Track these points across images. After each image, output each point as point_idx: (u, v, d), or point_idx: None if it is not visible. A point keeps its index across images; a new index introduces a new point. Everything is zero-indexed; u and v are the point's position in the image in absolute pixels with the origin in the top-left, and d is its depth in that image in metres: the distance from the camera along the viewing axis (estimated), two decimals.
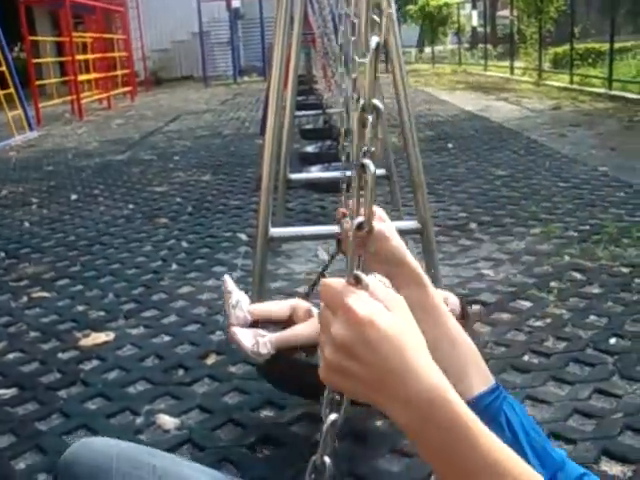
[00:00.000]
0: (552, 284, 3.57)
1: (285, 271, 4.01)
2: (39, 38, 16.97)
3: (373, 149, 0.79)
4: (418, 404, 0.70)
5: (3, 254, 4.77)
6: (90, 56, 16.16)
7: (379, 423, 2.42)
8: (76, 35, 15.15)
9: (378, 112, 0.73)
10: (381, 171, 4.59)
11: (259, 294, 2.99)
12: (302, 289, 3.73)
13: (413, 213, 4.69)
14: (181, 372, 2.89)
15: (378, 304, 0.73)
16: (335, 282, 0.75)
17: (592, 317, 3.16)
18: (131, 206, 5.94)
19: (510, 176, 6.14)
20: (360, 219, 0.77)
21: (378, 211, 1.16)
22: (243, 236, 4.78)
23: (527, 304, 3.36)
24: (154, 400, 2.66)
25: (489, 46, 21.64)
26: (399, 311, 0.75)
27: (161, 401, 2.65)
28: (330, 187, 5.31)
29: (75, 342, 3.24)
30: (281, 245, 4.28)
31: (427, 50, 27.57)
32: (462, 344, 1.08)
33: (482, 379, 1.05)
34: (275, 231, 3.00)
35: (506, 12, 21.80)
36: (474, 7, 26.31)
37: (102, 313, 3.59)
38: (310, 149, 6.14)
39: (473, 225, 4.70)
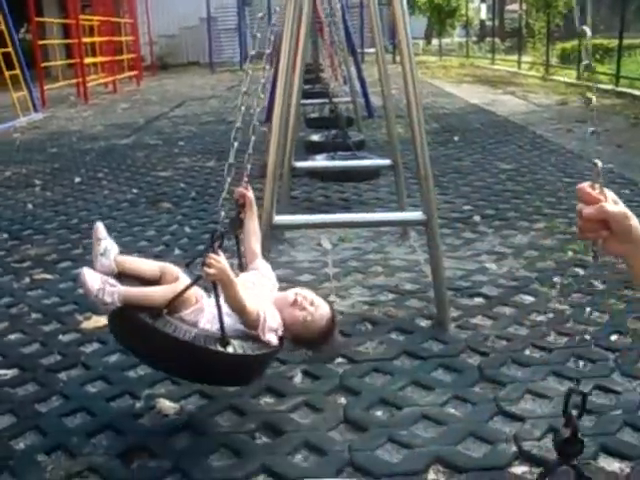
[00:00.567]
0: (555, 279, 3.56)
1: (287, 259, 4.01)
2: (46, 20, 16.93)
3: None
4: None
5: (6, 235, 4.77)
6: (97, 39, 16.11)
7: (378, 413, 2.42)
8: (83, 18, 15.11)
9: None
10: (386, 161, 4.58)
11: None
12: (304, 277, 3.73)
13: (416, 204, 4.71)
14: None
15: None
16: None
17: (594, 313, 3.16)
18: (135, 190, 5.93)
19: (515, 170, 6.12)
20: None
21: (610, 194, 1.17)
22: None
23: (529, 298, 3.36)
24: (154, 385, 2.66)
25: (497, 40, 21.56)
26: None
27: (161, 386, 2.65)
28: (334, 176, 5.32)
29: (76, 324, 3.24)
30: (284, 233, 4.27)
31: (434, 42, 27.47)
32: None
33: None
34: (279, 219, 3.00)
35: (515, 6, 21.72)
36: (483, 0, 26.22)
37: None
38: (315, 138, 6.13)
39: (477, 218, 4.69)
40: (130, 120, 10.74)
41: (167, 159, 7.34)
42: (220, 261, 2.07)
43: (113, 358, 2.91)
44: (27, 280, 3.88)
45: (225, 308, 2.11)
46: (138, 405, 2.53)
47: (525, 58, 17.35)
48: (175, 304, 2.10)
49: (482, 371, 2.67)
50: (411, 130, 2.98)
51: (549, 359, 2.75)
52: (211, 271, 2.04)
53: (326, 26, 7.41)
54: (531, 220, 4.60)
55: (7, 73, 10.63)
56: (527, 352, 2.83)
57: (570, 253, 3.93)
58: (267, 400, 2.53)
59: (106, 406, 2.54)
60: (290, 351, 2.50)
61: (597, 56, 14.01)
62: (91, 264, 4.04)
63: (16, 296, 3.64)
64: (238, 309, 2.12)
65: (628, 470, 2.08)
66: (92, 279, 2.11)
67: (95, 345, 3.03)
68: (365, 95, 9.62)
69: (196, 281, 2.14)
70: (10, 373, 2.81)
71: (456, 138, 7.90)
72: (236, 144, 2.46)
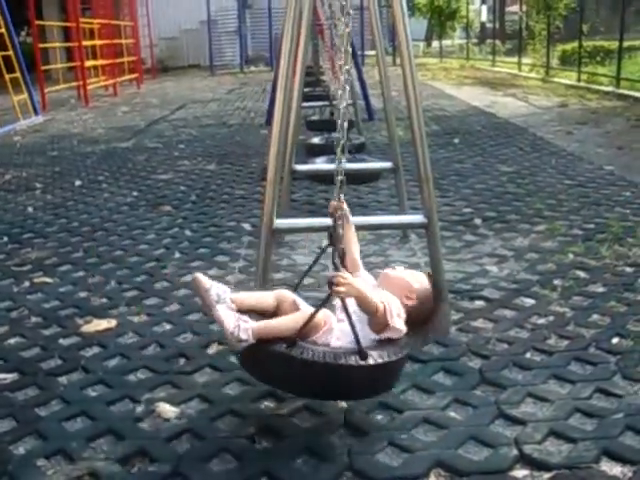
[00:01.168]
0: (556, 282, 3.55)
1: (288, 262, 4.01)
2: (46, 23, 16.94)
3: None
4: None
5: (6, 238, 4.77)
6: (97, 42, 16.12)
7: (379, 417, 2.41)
8: (83, 21, 15.11)
9: None
10: (387, 164, 4.58)
11: (262, 285, 2.99)
12: (305, 280, 3.72)
13: (417, 207, 4.70)
14: (182, 361, 2.88)
15: None
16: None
17: (595, 316, 3.15)
18: (135, 193, 5.93)
19: (516, 172, 6.12)
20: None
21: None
22: (247, 226, 4.78)
23: (530, 301, 3.35)
24: (154, 388, 2.65)
25: (497, 42, 21.57)
26: None
27: (161, 390, 2.65)
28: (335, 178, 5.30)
29: (76, 328, 3.23)
30: (284, 236, 4.27)
31: (435, 44, 27.48)
32: None
33: None
34: (280, 222, 2.99)
35: (515, 8, 21.73)
36: (483, 2, 26.26)
37: (104, 300, 3.59)
38: (316, 140, 6.13)
39: (478, 221, 4.68)
40: (130, 123, 10.75)
41: (167, 162, 7.34)
42: (347, 277, 2.11)
43: (113, 362, 2.90)
44: (27, 284, 3.87)
45: (353, 317, 2.14)
46: (138, 409, 2.52)
47: (525, 60, 17.36)
48: (306, 329, 2.12)
49: (483, 374, 2.66)
50: (411, 132, 2.98)
51: (550, 362, 2.74)
52: (342, 289, 2.08)
53: (326, 29, 7.40)
54: (532, 222, 4.60)
55: (7, 76, 10.63)
56: (528, 355, 2.82)
57: (571, 255, 3.92)
58: (267, 404, 2.52)
59: (106, 410, 2.53)
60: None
61: (598, 58, 14.03)
62: (92, 268, 4.05)
63: (16, 300, 3.64)
64: (370, 310, 2.15)
65: (630, 474, 2.07)
66: (227, 317, 2.13)
67: (95, 349, 3.03)
68: (365, 97, 9.63)
69: (325, 303, 2.16)
70: (10, 377, 2.80)
71: (456, 140, 7.90)
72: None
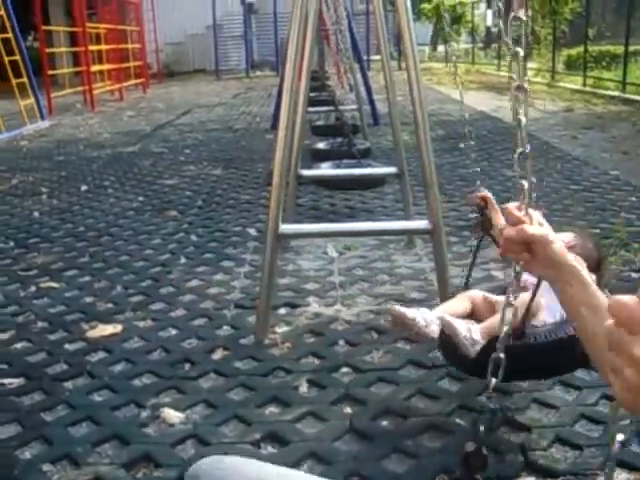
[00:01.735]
0: None
1: (293, 267, 4.01)
2: (53, 28, 17.00)
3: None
4: None
5: (12, 243, 4.78)
6: (103, 47, 16.17)
7: (384, 423, 2.41)
8: (90, 26, 15.16)
9: None
10: (392, 169, 4.58)
11: (268, 290, 2.99)
12: (310, 285, 3.73)
13: (423, 212, 4.70)
14: (187, 366, 2.88)
15: None
16: (627, 299, 0.72)
17: None
18: (141, 198, 5.94)
19: (522, 177, 6.10)
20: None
21: (536, 215, 1.16)
22: (252, 231, 4.78)
23: None
24: (160, 393, 2.66)
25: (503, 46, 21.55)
26: None
27: (166, 395, 2.65)
28: (340, 184, 5.32)
29: (82, 333, 3.24)
30: (289, 241, 4.27)
31: (440, 49, 27.48)
32: None
33: None
34: (285, 227, 2.99)
35: (521, 12, 21.70)
36: (489, 7, 26.23)
37: (110, 305, 3.59)
38: (321, 145, 6.14)
39: None
40: (136, 128, 10.77)
41: (173, 167, 7.35)
42: None
43: (118, 367, 2.90)
44: (33, 288, 3.88)
45: (546, 290, 2.17)
46: (143, 414, 2.53)
47: (531, 65, 17.35)
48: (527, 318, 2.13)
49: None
50: (417, 137, 2.98)
51: None
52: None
53: (332, 33, 7.42)
54: None
55: (14, 81, 10.66)
56: None
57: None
58: (272, 410, 2.52)
59: (111, 415, 2.53)
60: None
61: (603, 62, 14.02)
62: (98, 273, 4.06)
63: (22, 304, 3.65)
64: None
65: None
66: (459, 325, 2.15)
67: (101, 354, 3.03)
68: (371, 102, 9.64)
69: (539, 286, 2.12)
70: (16, 382, 2.81)
71: (462, 145, 7.89)
72: None
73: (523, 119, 1.31)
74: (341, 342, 3.04)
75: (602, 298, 1.11)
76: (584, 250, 2.36)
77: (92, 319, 3.39)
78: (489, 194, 2.55)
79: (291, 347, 3.01)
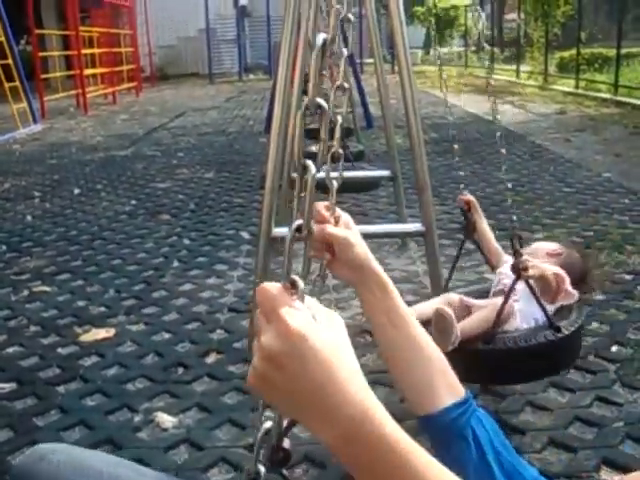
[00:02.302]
0: None
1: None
2: (45, 31, 16.96)
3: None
4: (343, 424, 0.69)
5: (4, 247, 4.76)
6: (96, 50, 16.15)
7: None
8: (83, 29, 15.13)
9: (322, 110, 0.77)
10: (386, 172, 4.58)
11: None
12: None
13: (416, 215, 4.69)
14: (181, 370, 2.88)
15: (311, 318, 0.71)
16: (271, 286, 0.74)
17: (594, 324, 3.15)
18: (134, 202, 5.93)
19: (514, 180, 6.11)
20: (299, 222, 0.77)
21: (344, 217, 1.15)
22: (245, 234, 4.78)
23: None
24: (153, 398, 2.65)
25: (495, 49, 21.62)
26: (334, 329, 0.73)
27: (160, 399, 2.64)
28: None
29: (75, 337, 3.23)
30: (282, 244, 4.26)
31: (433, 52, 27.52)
32: (429, 354, 1.06)
33: (450, 391, 1.03)
34: (278, 231, 2.98)
35: (513, 15, 21.78)
36: (482, 10, 26.26)
37: (103, 309, 3.58)
38: (314, 148, 6.12)
39: None
40: (129, 131, 10.75)
41: (166, 170, 7.34)
42: (530, 260, 2.18)
43: (111, 371, 2.90)
44: (26, 292, 3.87)
45: (526, 296, 2.18)
46: (136, 419, 2.52)
47: (524, 67, 17.40)
48: (499, 321, 2.15)
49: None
50: (410, 140, 2.98)
51: None
52: (532, 272, 2.14)
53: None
54: (531, 230, 4.59)
55: (7, 85, 10.64)
56: None
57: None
58: (267, 414, 2.50)
59: (104, 420, 2.52)
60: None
61: (596, 65, 14.06)
62: (91, 276, 4.04)
63: (14, 309, 3.63)
64: (549, 283, 2.20)
65: None
66: (451, 313, 2.13)
67: (93, 358, 3.02)
68: (364, 105, 9.63)
69: (512, 291, 2.17)
70: (8, 386, 2.80)
71: (455, 147, 7.88)
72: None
73: None
74: None
75: (405, 308, 1.10)
76: (569, 259, 2.37)
77: (85, 323, 3.38)
78: (473, 198, 2.56)
79: None
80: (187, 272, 4.08)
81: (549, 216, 4.89)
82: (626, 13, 12.81)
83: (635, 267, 3.83)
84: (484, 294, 2.39)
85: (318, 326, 0.71)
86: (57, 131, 11.18)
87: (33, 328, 3.38)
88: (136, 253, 4.49)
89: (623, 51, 12.47)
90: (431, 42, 28.05)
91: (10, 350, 3.15)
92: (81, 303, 3.67)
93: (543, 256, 2.37)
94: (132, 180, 6.90)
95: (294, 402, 0.71)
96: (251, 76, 22.16)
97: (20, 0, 12.55)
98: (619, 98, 11.55)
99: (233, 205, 5.67)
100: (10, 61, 10.75)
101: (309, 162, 0.76)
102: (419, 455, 0.70)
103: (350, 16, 1.07)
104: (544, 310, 2.15)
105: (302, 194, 0.77)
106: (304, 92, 6.84)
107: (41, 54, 13.61)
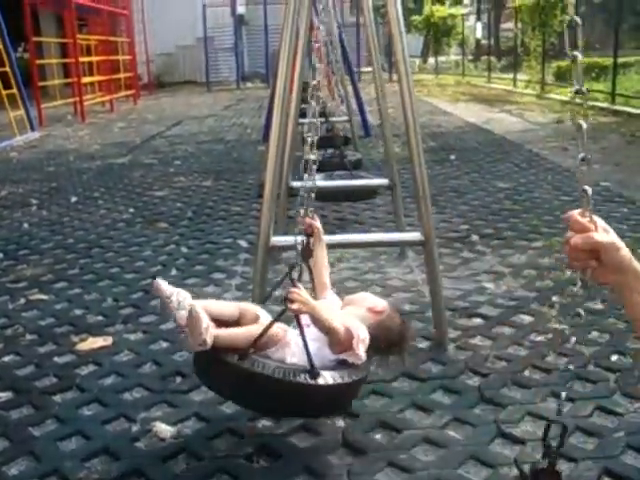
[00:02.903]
0: (554, 299, 3.54)
1: (285, 280, 3.97)
2: (43, 39, 16.99)
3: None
4: None
5: (1, 255, 4.74)
6: (94, 58, 16.17)
7: (378, 437, 2.39)
8: (80, 37, 15.15)
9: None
10: (384, 181, 4.57)
11: (259, 302, 2.96)
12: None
13: (414, 224, 4.69)
14: (178, 379, 2.86)
15: None
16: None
17: (594, 333, 3.14)
18: (131, 210, 5.92)
19: (512, 189, 6.12)
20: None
21: (600, 222, 1.13)
22: (243, 243, 4.76)
23: (528, 319, 3.34)
24: (150, 407, 2.62)
25: (492, 58, 21.69)
26: None
27: (157, 409, 2.62)
28: (331, 196, 5.29)
29: (72, 346, 3.21)
30: (281, 253, 4.25)
31: (431, 60, 27.62)
32: None
33: None
34: (276, 240, 2.97)
35: (510, 24, 21.85)
36: (478, 19, 26.41)
37: (100, 317, 3.56)
38: (312, 157, 6.12)
39: (475, 237, 4.67)
40: (127, 139, 10.75)
41: (163, 178, 7.33)
42: (301, 294, 2.08)
43: (108, 380, 2.87)
44: (22, 301, 3.85)
45: (311, 334, 2.12)
46: (134, 428, 2.50)
47: (521, 76, 17.44)
48: (261, 343, 2.10)
49: (482, 392, 2.64)
50: (409, 150, 2.98)
51: (549, 380, 2.72)
52: (295, 306, 2.05)
53: (322, 45, 7.43)
54: (529, 239, 4.59)
55: (4, 92, 10.64)
56: (527, 373, 2.80)
57: (568, 272, 3.90)
58: (265, 423, 2.49)
59: (101, 429, 2.50)
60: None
61: (593, 74, 14.09)
62: (88, 285, 4.02)
63: (11, 317, 3.61)
64: (327, 330, 2.11)
65: None
66: (202, 317, 2.07)
67: (90, 367, 3.00)
68: (362, 114, 9.64)
69: (278, 317, 2.14)
70: (4, 396, 2.77)
71: (453, 157, 7.91)
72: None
73: (584, 124, 1.28)
74: None
75: None
76: (388, 322, 2.28)
77: (82, 332, 3.36)
78: (319, 225, 2.48)
79: None
80: (185, 280, 4.05)
81: (547, 225, 4.88)
82: (622, 22, 12.85)
83: None
84: (277, 316, 2.21)
85: None
86: (54, 139, 11.17)
87: (29, 336, 3.35)
88: (134, 261, 4.47)
89: (620, 60, 12.51)
90: (428, 51, 28.18)
91: (6, 359, 3.12)
92: (78, 311, 3.65)
93: (363, 308, 2.28)
94: (129, 188, 6.89)
95: None
96: (248, 84, 22.19)
97: (18, 7, 12.58)
98: (616, 107, 11.58)
99: (231, 213, 5.66)
100: (8, 68, 10.76)
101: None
102: None
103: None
104: (307, 350, 2.07)
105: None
106: (303, 101, 6.86)
107: (39, 62, 13.63)
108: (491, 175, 6.78)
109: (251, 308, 2.29)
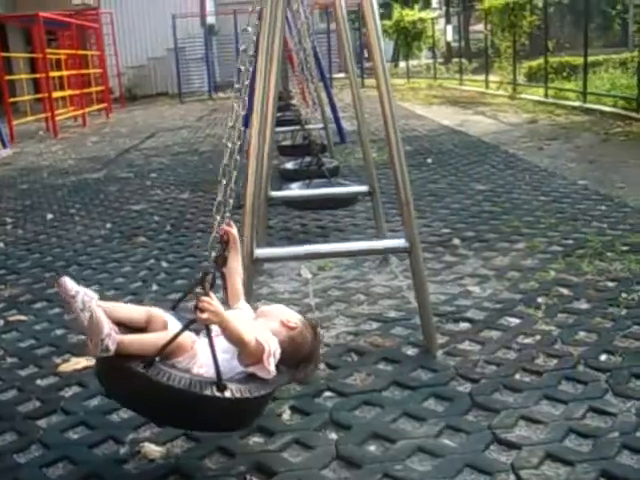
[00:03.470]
0: (539, 300, 3.53)
1: (268, 290, 3.94)
2: (12, 54, 16.82)
3: None
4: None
5: None
6: (64, 73, 16.01)
7: (372, 448, 2.36)
8: (50, 52, 15.01)
9: None
10: (364, 187, 4.55)
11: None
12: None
13: (394, 229, 4.68)
14: None
15: None
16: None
17: (582, 333, 3.13)
18: (108, 225, 5.84)
19: (491, 191, 6.12)
20: None
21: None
22: None
23: (515, 321, 3.32)
24: (138, 428, 2.57)
25: (464, 60, 21.81)
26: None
27: (146, 429, 2.56)
28: (311, 204, 5.27)
29: (54, 368, 3.14)
30: (263, 264, 4.21)
31: (402, 65, 27.72)
32: None
33: None
34: (260, 252, 2.94)
35: (480, 27, 22.00)
36: (448, 22, 26.56)
37: (82, 337, 3.48)
38: (290, 166, 6.10)
39: (457, 241, 4.66)
40: (101, 153, 10.65)
41: (140, 192, 7.25)
42: (212, 303, 2.01)
43: (94, 402, 2.81)
44: (1, 322, 3.77)
45: (221, 345, 2.06)
46: (122, 450, 2.44)
47: (492, 78, 17.54)
48: (168, 351, 2.03)
49: (474, 398, 2.61)
50: (389, 155, 2.96)
51: (540, 383, 2.70)
52: (204, 315, 1.99)
53: (295, 53, 7.40)
54: (511, 240, 4.58)
55: None
56: (517, 376, 2.78)
57: (552, 273, 3.91)
58: (256, 440, 2.45)
59: (89, 453, 2.44)
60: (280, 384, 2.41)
61: (564, 73, 14.22)
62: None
63: None
64: (237, 342, 2.06)
65: None
66: (103, 322, 1.99)
67: (75, 389, 2.94)
68: (337, 120, 9.63)
69: (187, 326, 2.08)
70: None
71: (430, 160, 7.91)
72: (224, 181, 2.38)
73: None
74: (322, 365, 2.97)
75: None
76: (300, 339, 2.25)
77: (64, 352, 3.30)
78: (235, 233, 2.43)
79: None
80: (167, 296, 3.99)
81: (528, 226, 4.88)
82: (591, 22, 12.97)
83: (617, 274, 3.82)
84: (186, 326, 2.15)
85: None
86: (27, 155, 11.04)
87: (10, 359, 3.28)
88: (113, 278, 4.41)
89: (590, 59, 12.62)
90: (399, 55, 28.28)
91: None
92: (59, 332, 3.58)
93: (275, 321, 2.25)
94: (106, 203, 6.81)
95: None
96: (221, 94, 22.10)
97: None
98: (588, 105, 11.68)
99: (210, 225, 5.58)
100: None
101: None
102: None
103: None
104: (215, 362, 2.02)
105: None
106: (279, 109, 6.82)
107: (8, 77, 13.46)
108: (469, 178, 6.79)
109: (160, 314, 2.20)
